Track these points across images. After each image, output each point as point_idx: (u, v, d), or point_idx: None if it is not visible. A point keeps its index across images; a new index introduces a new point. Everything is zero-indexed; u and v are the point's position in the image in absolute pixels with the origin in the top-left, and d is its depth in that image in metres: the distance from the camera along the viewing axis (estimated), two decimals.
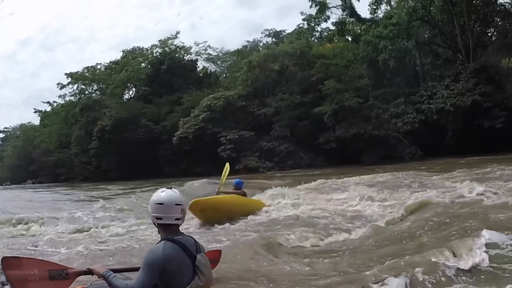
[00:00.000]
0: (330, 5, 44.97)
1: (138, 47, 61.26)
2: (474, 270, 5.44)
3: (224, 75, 57.92)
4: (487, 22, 41.72)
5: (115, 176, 47.00)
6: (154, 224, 3.66)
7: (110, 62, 63.83)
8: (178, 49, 55.61)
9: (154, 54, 56.86)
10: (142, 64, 57.51)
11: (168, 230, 3.56)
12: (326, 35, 48.97)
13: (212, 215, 11.26)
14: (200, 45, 59.35)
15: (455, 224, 7.87)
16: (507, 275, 5.27)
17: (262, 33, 55.10)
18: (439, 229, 7.91)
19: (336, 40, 45.29)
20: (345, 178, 19.10)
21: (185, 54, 56.58)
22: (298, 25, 47.76)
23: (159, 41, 57.08)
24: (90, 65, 65.36)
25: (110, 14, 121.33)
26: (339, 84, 37.32)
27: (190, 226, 11.18)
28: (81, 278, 4.09)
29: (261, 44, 53.42)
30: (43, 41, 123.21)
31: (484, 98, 33.02)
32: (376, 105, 36.69)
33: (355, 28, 43.24)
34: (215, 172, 37.04)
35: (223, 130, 41.36)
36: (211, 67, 60.92)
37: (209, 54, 59.82)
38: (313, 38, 48.52)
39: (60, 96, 69.00)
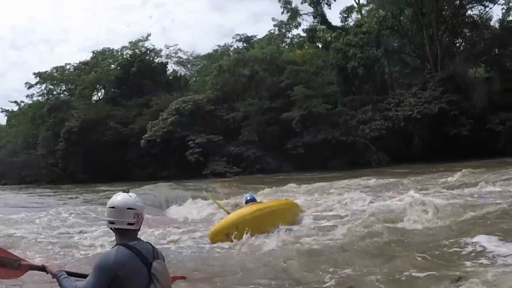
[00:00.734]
0: (301, 12, 45.32)
1: (108, 48, 60.44)
2: None
3: (194, 79, 57.51)
4: (456, 33, 42.51)
5: (83, 178, 46.00)
6: (110, 228, 3.50)
7: (80, 62, 62.65)
8: (148, 52, 54.91)
9: (124, 56, 55.96)
10: (112, 66, 56.59)
11: (124, 235, 3.40)
12: (297, 42, 49.13)
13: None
14: (171, 48, 58.93)
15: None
16: None
17: (233, 38, 54.73)
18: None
19: (306, 47, 45.41)
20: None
21: (155, 57, 55.83)
22: (269, 31, 47.99)
23: (130, 43, 56.27)
24: (59, 65, 64.33)
25: (82, 16, 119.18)
26: (308, 90, 37.33)
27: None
28: (34, 273, 4.03)
29: (232, 48, 53.15)
30: (13, 41, 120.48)
31: (451, 106, 33.79)
32: (344, 111, 36.82)
33: (326, 35, 43.53)
34: (182, 176, 37.25)
35: (191, 134, 40.94)
36: (181, 71, 60.35)
37: (180, 57, 59.53)
38: (283, 44, 48.65)
39: (27, 96, 67.26)
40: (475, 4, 40.77)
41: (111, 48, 60.48)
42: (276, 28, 46.90)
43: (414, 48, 42.06)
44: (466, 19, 41.92)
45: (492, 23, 42.57)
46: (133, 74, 52.13)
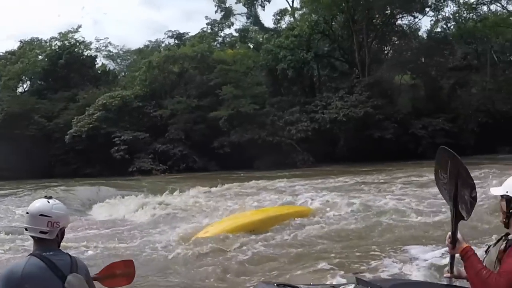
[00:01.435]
0: (235, 12, 45.18)
1: (36, 38, 57.65)
2: None
3: (123, 74, 55.99)
4: (385, 40, 43.79)
5: (6, 175, 43.82)
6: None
7: (6, 52, 59.74)
8: (78, 44, 52.88)
9: (53, 47, 53.79)
10: (40, 57, 54.12)
11: (40, 244, 3.11)
12: (229, 41, 48.76)
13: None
14: (101, 41, 56.52)
15: None
16: None
17: (165, 34, 53.56)
18: None
19: (238, 47, 45.22)
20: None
21: (85, 50, 53.89)
22: (202, 29, 47.33)
23: (59, 33, 54.02)
24: None
25: (12, 2, 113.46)
26: (236, 90, 37.02)
27: None
28: None
29: (163, 45, 51.84)
30: None
31: (376, 110, 34.75)
32: (272, 112, 36.79)
33: (258, 36, 43.57)
34: (106, 174, 36.28)
35: (118, 130, 39.78)
36: (110, 65, 58.08)
37: (110, 51, 57.05)
38: (215, 43, 48.12)
39: None
40: (405, 14, 42.08)
41: (40, 38, 57.76)
42: (209, 27, 46.44)
43: (344, 53, 42.82)
44: (396, 28, 43.34)
45: (420, 33, 44.27)
46: (61, 66, 50.07)
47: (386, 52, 44.28)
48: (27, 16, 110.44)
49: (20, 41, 58.76)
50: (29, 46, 56.77)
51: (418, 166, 23.39)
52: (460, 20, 41.61)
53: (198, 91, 40.58)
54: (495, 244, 2.91)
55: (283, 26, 44.79)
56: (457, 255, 2.92)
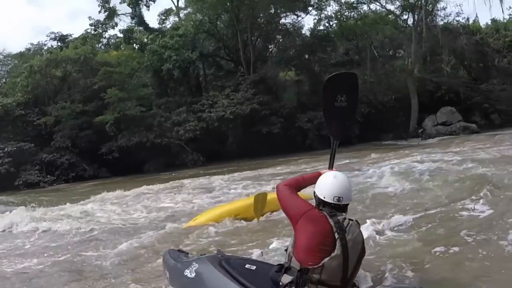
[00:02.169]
0: (119, 12, 44.12)
1: None
2: None
3: (4, 80, 52.91)
4: (269, 39, 44.87)
5: None
6: None
7: None
8: None
9: None
10: None
11: None
12: (114, 43, 47.46)
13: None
14: None
15: None
16: None
17: (47, 36, 50.98)
18: None
19: (123, 48, 44.28)
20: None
21: None
22: (85, 30, 45.65)
23: None
24: None
25: None
26: (122, 92, 36.06)
27: None
28: None
29: (45, 47, 49.45)
30: None
31: (262, 106, 35.62)
32: (159, 113, 36.41)
33: (143, 37, 42.93)
34: None
35: (0, 142, 37.55)
36: None
37: None
38: (99, 45, 46.77)
39: None
40: (288, 13, 43.14)
41: None
42: (92, 28, 44.89)
43: (229, 52, 43.34)
44: (280, 27, 44.49)
45: (303, 31, 45.41)
46: None
47: (270, 50, 45.31)
48: None
49: None
50: None
51: (307, 157, 25.89)
52: (341, 18, 43.06)
53: (83, 95, 39.18)
54: None
55: (168, 26, 44.42)
56: None
